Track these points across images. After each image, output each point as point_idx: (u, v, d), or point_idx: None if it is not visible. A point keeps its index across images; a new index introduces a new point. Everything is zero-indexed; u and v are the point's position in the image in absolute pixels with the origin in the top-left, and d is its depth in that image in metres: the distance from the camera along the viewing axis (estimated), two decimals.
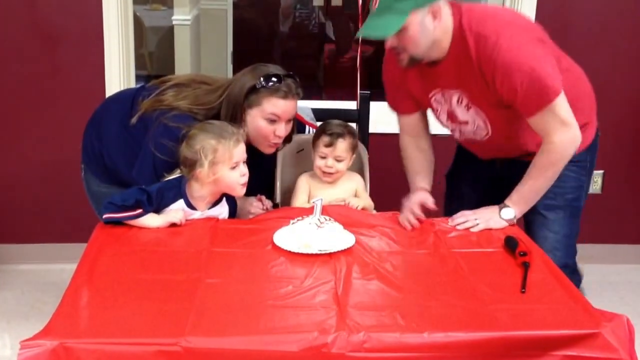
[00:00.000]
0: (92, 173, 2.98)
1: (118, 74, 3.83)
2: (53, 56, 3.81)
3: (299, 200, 2.91)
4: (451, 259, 2.37)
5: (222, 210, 2.72)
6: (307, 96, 3.78)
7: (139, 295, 2.07)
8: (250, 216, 2.75)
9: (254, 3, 6.89)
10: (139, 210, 2.50)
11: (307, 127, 3.29)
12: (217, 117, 2.71)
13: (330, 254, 2.34)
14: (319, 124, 3.09)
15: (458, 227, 2.61)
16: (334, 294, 2.10)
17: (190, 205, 2.63)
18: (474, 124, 2.71)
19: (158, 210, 2.58)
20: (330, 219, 2.51)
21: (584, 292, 2.64)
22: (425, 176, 2.92)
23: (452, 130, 2.86)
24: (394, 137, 3.97)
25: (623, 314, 2.02)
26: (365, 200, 2.92)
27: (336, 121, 2.94)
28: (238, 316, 1.97)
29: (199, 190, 2.62)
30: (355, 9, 3.88)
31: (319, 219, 2.48)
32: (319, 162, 2.86)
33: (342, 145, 2.84)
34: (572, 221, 2.87)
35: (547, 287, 2.20)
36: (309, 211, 2.58)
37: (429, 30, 2.50)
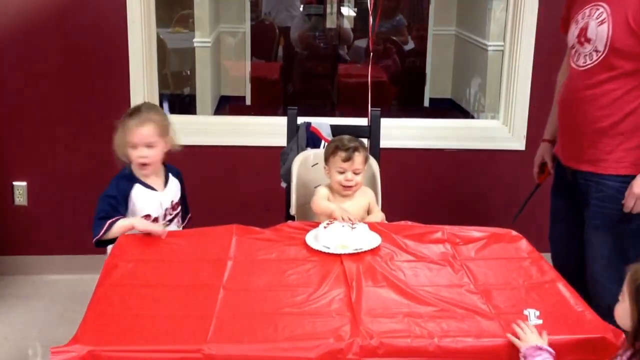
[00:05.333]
0: None
1: (142, 92, 3.85)
2: (82, 76, 3.84)
3: (323, 202, 2.88)
4: (461, 267, 2.36)
5: (174, 186, 2.83)
6: (321, 113, 3.78)
7: (162, 303, 2.08)
8: None
9: (272, 27, 6.92)
10: (115, 218, 2.58)
11: (322, 141, 3.28)
12: None
13: (342, 262, 2.34)
14: None
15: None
16: (347, 301, 2.10)
17: (149, 187, 2.70)
18: (593, 45, 2.62)
19: (126, 202, 2.67)
20: (357, 222, 2.55)
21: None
22: (552, 123, 3.00)
23: (571, 56, 2.77)
24: (403, 151, 4.00)
25: None
26: (377, 213, 2.92)
27: (346, 136, 2.93)
28: (257, 323, 1.97)
29: (135, 169, 2.71)
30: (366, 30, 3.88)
31: (349, 221, 2.52)
32: (338, 177, 2.85)
33: (359, 158, 2.83)
34: (616, 242, 2.67)
35: (552, 294, 2.20)
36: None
37: None
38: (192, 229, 2.62)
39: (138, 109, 2.73)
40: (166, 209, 2.77)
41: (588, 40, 2.65)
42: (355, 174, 2.84)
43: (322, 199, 2.82)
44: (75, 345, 1.83)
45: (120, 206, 2.64)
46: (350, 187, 2.84)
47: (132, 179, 2.72)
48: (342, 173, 2.83)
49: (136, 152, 2.67)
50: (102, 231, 2.55)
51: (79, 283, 2.95)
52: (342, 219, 2.62)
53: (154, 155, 2.71)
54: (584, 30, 2.68)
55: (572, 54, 2.77)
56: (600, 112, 2.62)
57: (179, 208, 2.86)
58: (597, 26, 2.61)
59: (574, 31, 2.74)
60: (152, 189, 2.73)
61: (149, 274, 2.27)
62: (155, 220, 2.72)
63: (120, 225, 2.56)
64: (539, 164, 3.12)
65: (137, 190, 2.70)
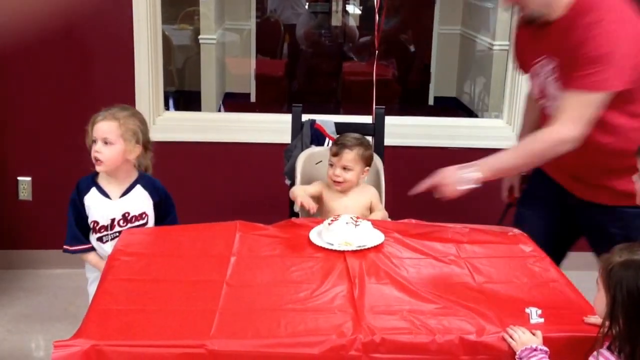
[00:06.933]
0: None
1: (147, 89, 3.86)
2: (87, 72, 3.85)
3: (297, 189, 2.89)
4: (464, 265, 2.35)
5: (137, 197, 2.71)
6: (326, 111, 3.78)
7: (165, 298, 2.08)
8: None
9: (277, 25, 6.92)
10: (88, 245, 2.68)
11: (326, 139, 3.28)
12: None
13: (345, 259, 2.34)
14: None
15: None
16: (350, 298, 2.09)
17: (105, 193, 2.66)
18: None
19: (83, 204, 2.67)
20: (360, 219, 2.56)
21: None
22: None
23: (542, 108, 2.61)
24: (408, 149, 3.99)
25: None
26: (380, 211, 2.91)
27: (352, 134, 2.94)
28: (260, 319, 1.96)
29: (102, 173, 2.68)
30: (371, 29, 3.88)
31: (352, 218, 2.52)
32: (329, 171, 2.88)
33: (348, 156, 2.84)
34: None
35: (555, 293, 2.20)
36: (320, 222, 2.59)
37: None
38: (196, 224, 2.61)
39: (111, 107, 2.68)
40: (114, 220, 2.67)
41: (554, 98, 2.48)
42: (346, 170, 2.84)
43: (300, 188, 2.89)
44: (79, 339, 1.83)
45: (82, 210, 2.66)
46: (338, 182, 2.85)
47: (91, 183, 2.67)
48: (332, 166, 2.86)
49: (94, 147, 2.62)
50: (70, 251, 2.71)
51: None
52: (302, 204, 2.73)
53: (110, 154, 2.61)
54: (543, 89, 2.53)
55: (541, 105, 2.62)
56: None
57: (142, 221, 2.72)
58: (554, 83, 2.45)
59: (533, 88, 2.62)
60: (106, 195, 2.67)
61: (152, 269, 2.26)
62: (103, 228, 2.68)
63: (88, 259, 2.72)
64: (507, 187, 3.06)
65: (91, 195, 2.66)
